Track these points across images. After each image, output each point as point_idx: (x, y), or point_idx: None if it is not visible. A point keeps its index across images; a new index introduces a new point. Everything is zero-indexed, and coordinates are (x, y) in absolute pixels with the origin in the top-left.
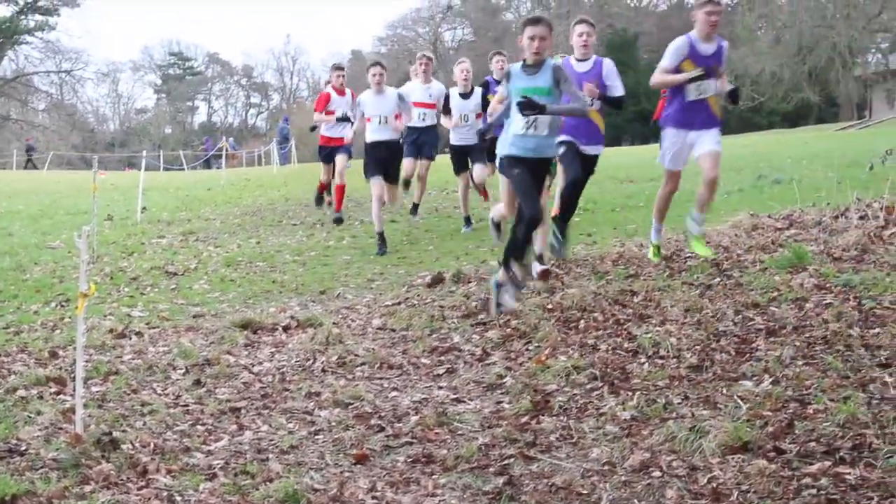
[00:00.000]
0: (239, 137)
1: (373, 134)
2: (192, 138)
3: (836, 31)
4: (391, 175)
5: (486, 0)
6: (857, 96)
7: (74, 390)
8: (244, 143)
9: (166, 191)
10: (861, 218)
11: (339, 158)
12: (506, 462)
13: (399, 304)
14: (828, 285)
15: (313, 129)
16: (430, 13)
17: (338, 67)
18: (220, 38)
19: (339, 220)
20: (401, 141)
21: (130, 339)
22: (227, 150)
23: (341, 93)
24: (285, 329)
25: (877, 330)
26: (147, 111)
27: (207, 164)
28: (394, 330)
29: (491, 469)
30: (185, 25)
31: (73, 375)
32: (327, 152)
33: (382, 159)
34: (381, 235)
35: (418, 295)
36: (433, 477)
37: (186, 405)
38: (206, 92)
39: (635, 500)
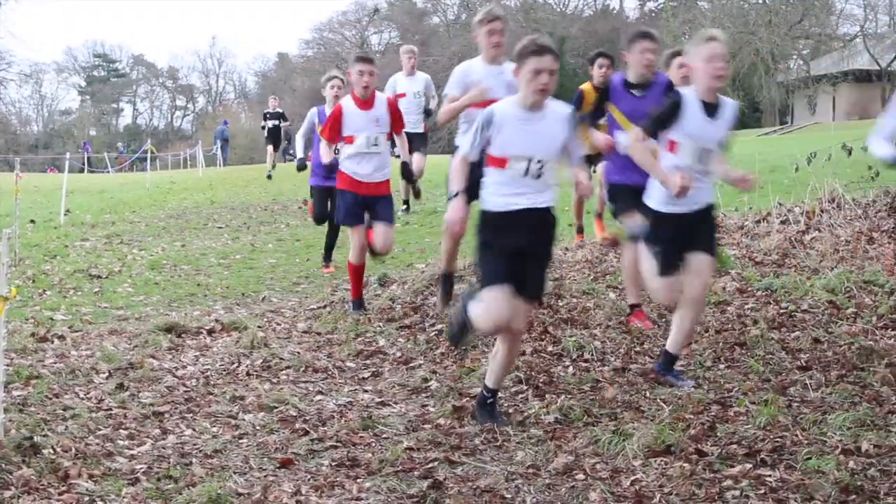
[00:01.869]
0: (164, 140)
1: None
2: (116, 140)
3: (759, 38)
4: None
5: (412, 4)
6: (779, 102)
7: None
8: (170, 145)
9: (90, 193)
10: (782, 222)
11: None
12: (431, 465)
13: (324, 307)
14: (749, 289)
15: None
16: (357, 16)
17: (363, 60)
18: (145, 39)
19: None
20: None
21: (53, 342)
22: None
23: (365, 104)
24: (210, 332)
25: (797, 333)
26: (71, 113)
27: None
28: (319, 333)
29: (416, 472)
30: (109, 27)
31: None
32: (357, 202)
33: None
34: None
35: (344, 299)
36: (358, 480)
37: (109, 409)
38: (130, 94)
39: (559, 503)
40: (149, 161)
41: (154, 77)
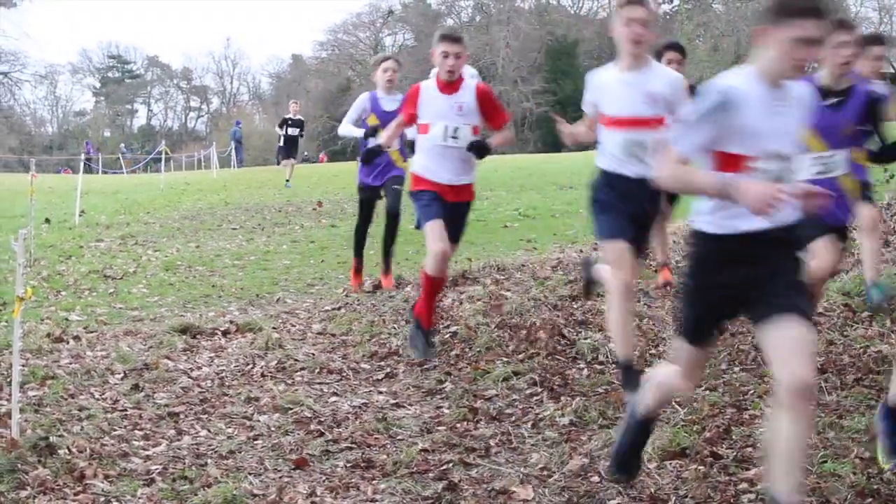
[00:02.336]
0: (178, 141)
1: None
2: (131, 141)
3: None
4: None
5: (426, 5)
6: None
7: (10, 395)
8: (184, 147)
9: (105, 194)
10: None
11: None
12: (445, 467)
13: (339, 308)
14: None
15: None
16: (371, 18)
17: (449, 39)
18: (159, 40)
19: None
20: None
21: (68, 343)
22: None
23: (448, 87)
24: (224, 334)
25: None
26: (85, 114)
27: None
28: (333, 335)
29: (430, 474)
30: (123, 28)
31: (9, 380)
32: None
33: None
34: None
35: (358, 300)
36: (373, 482)
37: (124, 410)
38: (145, 95)
39: None
40: (163, 162)
41: (168, 78)
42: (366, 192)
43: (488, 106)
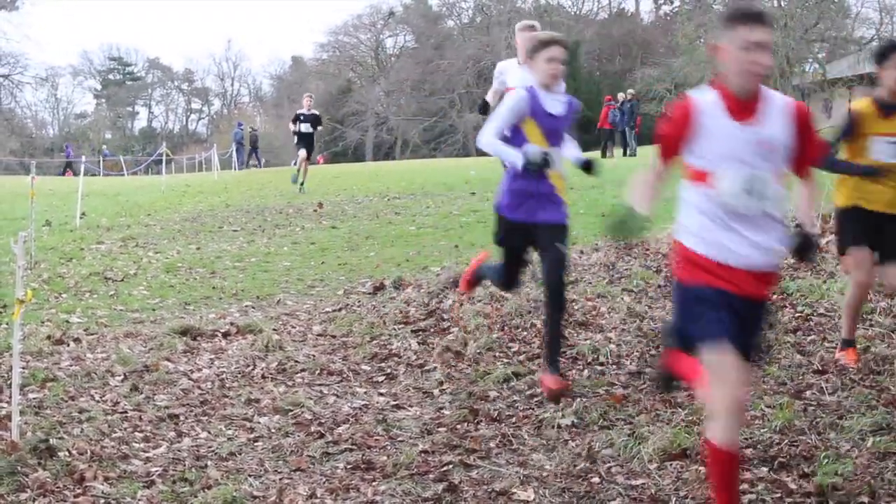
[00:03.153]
0: (179, 143)
1: None
2: (132, 144)
3: (774, 41)
4: None
5: (427, 7)
6: None
7: (10, 397)
8: (185, 148)
9: (106, 196)
10: (797, 226)
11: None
12: (445, 468)
13: (339, 310)
14: None
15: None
16: (372, 20)
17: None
18: (160, 42)
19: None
20: None
21: (68, 345)
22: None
23: (743, 108)
24: (225, 335)
25: (813, 337)
26: (87, 116)
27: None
28: (334, 336)
29: (431, 475)
30: (124, 30)
31: (9, 382)
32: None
33: None
34: None
35: (359, 301)
36: (373, 483)
37: (125, 412)
38: (146, 97)
39: None
40: (164, 164)
41: (169, 80)
42: (510, 233)
43: (805, 137)
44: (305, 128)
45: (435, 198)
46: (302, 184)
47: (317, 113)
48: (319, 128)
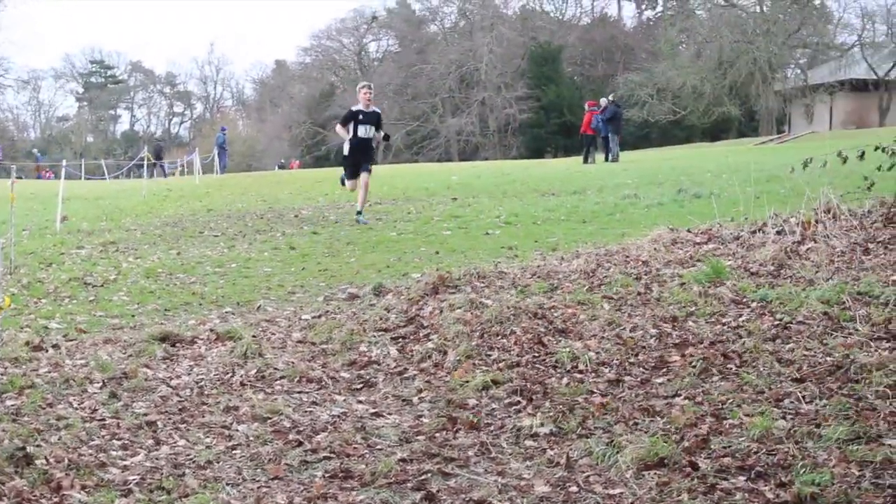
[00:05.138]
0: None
1: None
2: (114, 147)
3: (756, 46)
4: None
5: (410, 11)
6: (776, 111)
7: None
8: (167, 152)
9: (87, 200)
10: (778, 233)
11: None
12: (424, 477)
13: (319, 317)
14: (744, 300)
15: None
16: (355, 24)
17: None
18: (142, 45)
19: None
20: None
21: (47, 351)
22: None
23: None
24: (204, 342)
25: (791, 345)
26: (68, 119)
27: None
28: (314, 343)
29: (409, 484)
30: (107, 33)
31: None
32: None
33: None
34: None
35: (339, 308)
36: (351, 492)
37: (103, 419)
38: (128, 100)
39: None
40: (145, 168)
41: (152, 83)
42: None
43: None
44: (365, 131)
45: (416, 203)
46: (359, 212)
47: (378, 111)
48: (381, 133)
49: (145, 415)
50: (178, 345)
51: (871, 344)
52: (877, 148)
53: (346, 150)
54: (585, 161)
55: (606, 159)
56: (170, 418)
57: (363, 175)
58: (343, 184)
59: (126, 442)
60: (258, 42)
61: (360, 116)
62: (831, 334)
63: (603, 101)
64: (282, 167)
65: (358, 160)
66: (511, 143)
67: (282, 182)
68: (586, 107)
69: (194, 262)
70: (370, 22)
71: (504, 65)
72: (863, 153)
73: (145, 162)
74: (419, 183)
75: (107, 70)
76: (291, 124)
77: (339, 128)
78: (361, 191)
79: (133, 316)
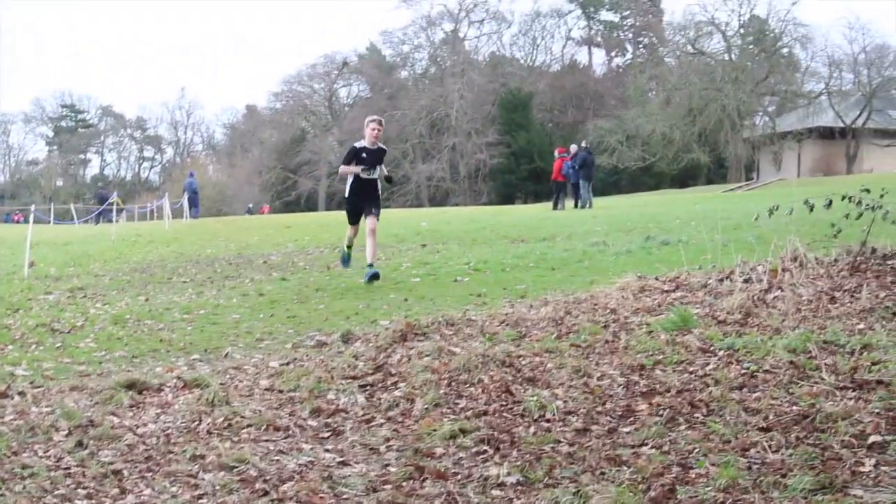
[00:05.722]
0: (132, 191)
1: None
2: (84, 191)
3: (725, 94)
4: None
5: (381, 57)
6: (745, 157)
7: None
8: (137, 197)
9: (55, 245)
10: (745, 281)
11: None
12: None
13: (287, 364)
14: (712, 348)
15: None
16: (326, 69)
17: None
18: (113, 90)
19: None
20: None
21: (13, 398)
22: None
23: None
24: (171, 389)
25: (758, 394)
26: (38, 163)
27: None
28: (281, 391)
29: None
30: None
31: None
32: None
33: None
34: None
35: (307, 355)
36: None
37: (68, 468)
38: (98, 144)
39: None
40: (115, 213)
41: (122, 128)
42: None
43: None
44: (368, 172)
45: (386, 249)
46: (371, 265)
47: (385, 148)
48: (384, 171)
49: (111, 463)
50: (144, 392)
51: (837, 393)
52: (843, 197)
53: (346, 192)
54: (555, 207)
55: (576, 206)
56: (136, 467)
57: (369, 220)
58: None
59: (91, 491)
60: (229, 87)
61: (364, 155)
62: (797, 383)
63: (573, 148)
64: (250, 212)
65: (360, 204)
66: (481, 188)
67: (251, 227)
68: (556, 153)
69: (162, 309)
70: (341, 67)
71: (474, 111)
72: (830, 202)
73: (114, 207)
74: (389, 229)
75: (77, 114)
76: (262, 169)
77: (342, 168)
78: (370, 240)
79: (100, 363)
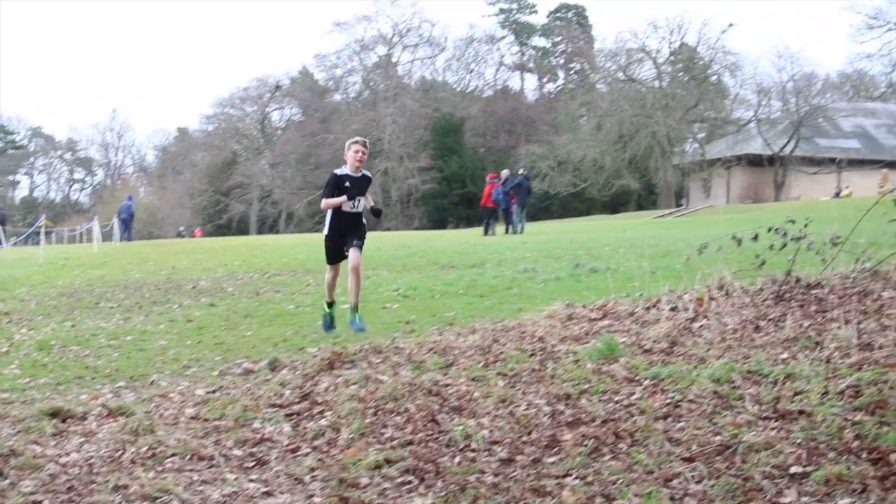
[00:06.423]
0: (61, 213)
1: None
2: (13, 213)
3: (656, 121)
4: None
5: (314, 81)
6: (675, 184)
7: None
8: (66, 219)
9: None
10: (672, 309)
11: None
12: None
13: (214, 392)
14: (637, 378)
15: None
16: (258, 92)
17: None
18: (43, 111)
19: None
20: None
21: None
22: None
23: None
24: (96, 417)
25: (682, 423)
26: None
27: None
28: (207, 420)
29: None
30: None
31: None
32: None
33: None
34: None
35: (234, 383)
36: None
37: None
38: (28, 166)
39: None
40: (43, 235)
41: (52, 149)
42: None
43: None
44: (351, 204)
45: (316, 275)
46: (356, 309)
47: (369, 175)
48: (370, 202)
49: (32, 493)
50: (68, 420)
51: (760, 423)
52: (770, 230)
53: (326, 228)
54: (486, 233)
55: (507, 231)
56: (57, 497)
57: (352, 254)
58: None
59: None
60: (161, 109)
61: (348, 184)
62: (721, 413)
63: (504, 173)
64: (182, 235)
65: (340, 241)
66: (413, 213)
67: (181, 251)
68: (487, 179)
69: (89, 335)
70: (273, 91)
71: (407, 135)
72: (756, 236)
73: (43, 230)
74: (319, 254)
75: (6, 135)
76: (193, 192)
77: (324, 202)
78: (353, 279)
79: (24, 390)
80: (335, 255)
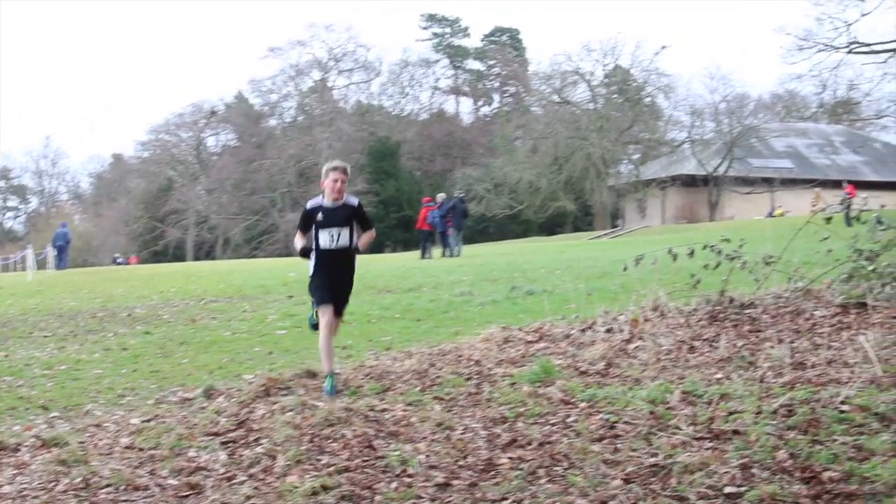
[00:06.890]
0: None
1: None
2: None
3: (591, 143)
4: None
5: (249, 106)
6: (610, 205)
7: None
8: None
9: None
10: (607, 331)
11: None
12: None
13: (149, 421)
14: (573, 400)
15: None
16: (193, 118)
17: None
18: None
19: None
20: None
21: None
22: None
23: None
24: (29, 449)
25: (618, 445)
26: None
27: None
28: (142, 449)
29: None
30: None
31: None
32: None
33: None
34: None
35: (169, 411)
36: None
37: None
38: None
39: None
40: None
41: None
42: None
43: None
44: (331, 239)
45: (252, 301)
46: (329, 376)
47: (354, 203)
48: (358, 238)
49: None
50: (1, 453)
51: (695, 443)
52: (705, 247)
53: (310, 268)
54: (423, 256)
55: (444, 254)
56: None
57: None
58: (314, 326)
59: None
60: (95, 135)
61: (320, 217)
62: (656, 434)
63: (440, 197)
64: (117, 262)
65: (331, 280)
66: None
67: (117, 279)
68: (423, 202)
69: (22, 364)
70: (209, 116)
71: (343, 160)
72: (692, 251)
73: None
74: (256, 280)
75: None
76: (128, 218)
77: (296, 240)
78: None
79: None
80: (330, 289)
